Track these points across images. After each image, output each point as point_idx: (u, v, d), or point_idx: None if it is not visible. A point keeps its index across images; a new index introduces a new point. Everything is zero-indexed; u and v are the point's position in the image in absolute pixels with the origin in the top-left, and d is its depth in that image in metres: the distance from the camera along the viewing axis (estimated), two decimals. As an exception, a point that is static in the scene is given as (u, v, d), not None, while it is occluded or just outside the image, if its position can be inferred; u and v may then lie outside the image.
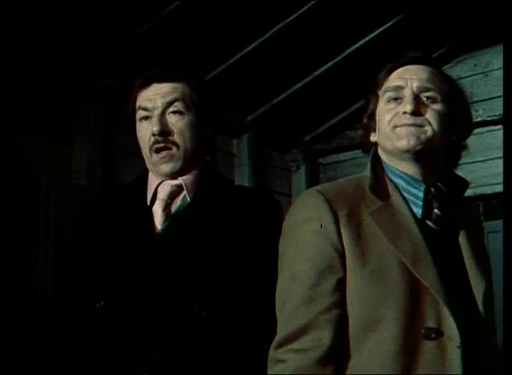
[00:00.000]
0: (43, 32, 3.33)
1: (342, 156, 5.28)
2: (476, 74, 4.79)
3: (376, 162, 1.65)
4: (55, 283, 2.14)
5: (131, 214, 1.86)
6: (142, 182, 1.92)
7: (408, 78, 1.62)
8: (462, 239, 1.60)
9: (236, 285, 1.75)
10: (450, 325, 1.44)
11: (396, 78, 1.64)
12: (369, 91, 1.70)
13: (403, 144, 1.57)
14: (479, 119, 4.59)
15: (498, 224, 4.52)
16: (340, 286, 1.49)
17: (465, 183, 1.68)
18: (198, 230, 1.79)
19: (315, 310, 1.47)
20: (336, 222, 1.50)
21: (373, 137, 1.68)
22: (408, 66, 1.65)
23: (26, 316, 2.97)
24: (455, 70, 4.84)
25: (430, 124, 1.58)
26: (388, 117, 1.61)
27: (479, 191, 4.62)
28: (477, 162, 4.60)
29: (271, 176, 5.00)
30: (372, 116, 1.67)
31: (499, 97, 4.56)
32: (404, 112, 1.58)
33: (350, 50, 4.31)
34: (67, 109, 3.65)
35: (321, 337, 1.46)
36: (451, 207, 1.62)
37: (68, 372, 1.76)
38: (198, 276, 1.73)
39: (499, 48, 4.57)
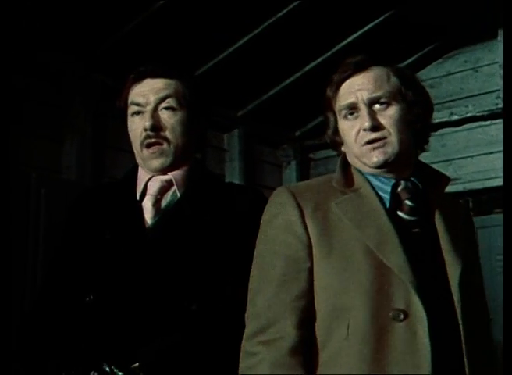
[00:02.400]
0: (34, 27, 3.32)
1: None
2: (466, 70, 4.80)
3: (346, 163, 1.70)
4: (44, 278, 2.14)
5: (121, 208, 1.86)
6: (132, 177, 1.92)
7: (357, 90, 1.63)
8: (440, 229, 1.60)
9: (226, 279, 1.76)
10: (417, 307, 1.46)
11: (345, 94, 1.65)
12: (324, 108, 1.72)
13: (374, 161, 1.60)
14: (469, 114, 4.60)
15: (487, 219, 4.56)
16: (307, 276, 1.54)
17: (444, 178, 1.70)
18: (188, 225, 1.80)
19: (283, 302, 1.53)
20: (302, 216, 1.56)
21: (344, 149, 1.72)
22: (353, 78, 1.65)
23: (15, 311, 2.96)
24: (445, 66, 4.86)
25: (391, 133, 1.60)
26: (352, 133, 1.63)
27: (469, 186, 4.63)
28: (467, 157, 4.61)
29: (261, 172, 5.01)
30: (336, 131, 1.70)
31: (489, 92, 4.58)
32: (364, 129, 1.60)
33: (340, 45, 4.31)
34: (57, 105, 3.64)
35: (285, 327, 1.50)
36: (428, 199, 1.63)
37: (58, 367, 1.76)
38: (188, 270, 1.74)
39: (490, 44, 4.59)
